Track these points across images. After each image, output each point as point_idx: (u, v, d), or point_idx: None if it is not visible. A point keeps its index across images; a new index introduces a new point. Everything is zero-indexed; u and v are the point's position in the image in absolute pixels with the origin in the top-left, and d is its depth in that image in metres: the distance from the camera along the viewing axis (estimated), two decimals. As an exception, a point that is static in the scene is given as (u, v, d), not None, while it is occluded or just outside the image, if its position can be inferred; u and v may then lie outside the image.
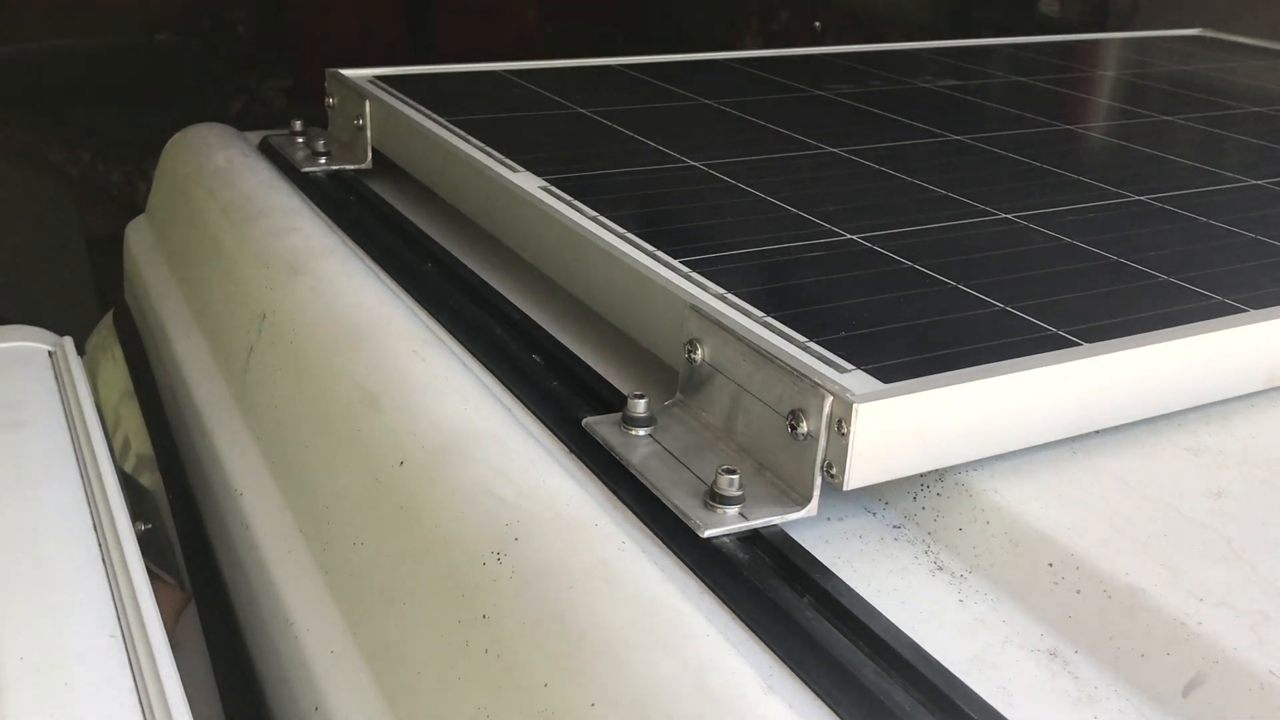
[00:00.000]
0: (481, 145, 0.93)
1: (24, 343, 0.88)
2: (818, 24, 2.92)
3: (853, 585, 0.53)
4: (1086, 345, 0.62)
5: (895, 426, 0.55)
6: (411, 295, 0.84)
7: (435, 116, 1.01)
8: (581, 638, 0.47)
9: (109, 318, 1.16)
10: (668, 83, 1.20)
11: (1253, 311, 0.68)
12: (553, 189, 0.84)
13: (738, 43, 3.20)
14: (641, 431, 0.63)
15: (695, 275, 0.70)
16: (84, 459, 0.74)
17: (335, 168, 1.07)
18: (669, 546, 0.56)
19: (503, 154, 0.91)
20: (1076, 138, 1.06)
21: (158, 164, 1.14)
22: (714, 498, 0.57)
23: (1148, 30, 1.68)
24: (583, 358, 0.73)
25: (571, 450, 0.64)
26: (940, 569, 0.56)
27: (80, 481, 0.72)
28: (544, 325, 0.78)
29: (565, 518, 0.54)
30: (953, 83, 1.26)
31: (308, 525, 0.67)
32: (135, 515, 0.76)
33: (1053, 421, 0.60)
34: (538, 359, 0.74)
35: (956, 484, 0.59)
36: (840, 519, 0.60)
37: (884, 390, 0.56)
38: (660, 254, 0.73)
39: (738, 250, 0.75)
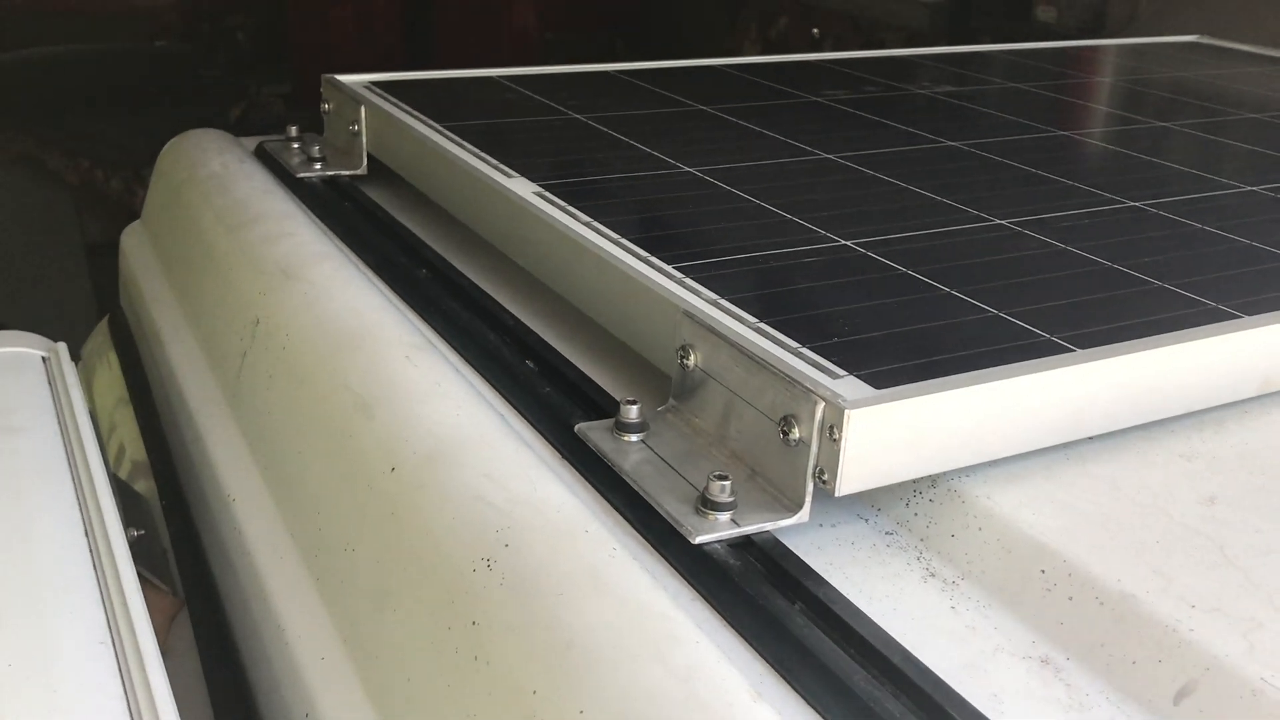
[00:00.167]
0: (476, 150, 0.93)
1: (18, 348, 0.88)
2: (816, 30, 2.92)
3: (844, 592, 0.53)
4: (1079, 351, 0.62)
5: (887, 432, 0.55)
6: (405, 300, 0.84)
7: (430, 122, 1.01)
8: (570, 645, 0.47)
9: (105, 323, 1.16)
10: (663, 88, 1.20)
11: (1246, 318, 0.68)
12: (547, 194, 0.84)
13: (737, 50, 3.21)
14: (634, 437, 0.63)
15: (689, 281, 0.70)
16: (76, 465, 0.74)
17: (330, 173, 1.07)
18: (660, 553, 0.56)
19: (497, 159, 0.91)
20: (1072, 144, 1.06)
21: (153, 170, 1.14)
22: (706, 504, 0.57)
23: (1145, 37, 1.69)
24: (576, 363, 0.73)
25: (564, 456, 0.64)
26: (932, 575, 0.56)
27: (72, 488, 0.72)
28: (537, 330, 0.78)
29: (555, 524, 0.53)
30: (949, 89, 1.26)
31: (299, 531, 0.67)
32: (129, 521, 0.76)
33: (1046, 427, 0.60)
34: (531, 364, 0.74)
35: (949, 490, 0.59)
36: (833, 525, 0.59)
37: (876, 396, 0.56)
38: (654, 259, 0.73)
39: (731, 256, 0.74)
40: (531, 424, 0.68)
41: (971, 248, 0.78)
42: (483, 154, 0.92)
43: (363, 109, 1.06)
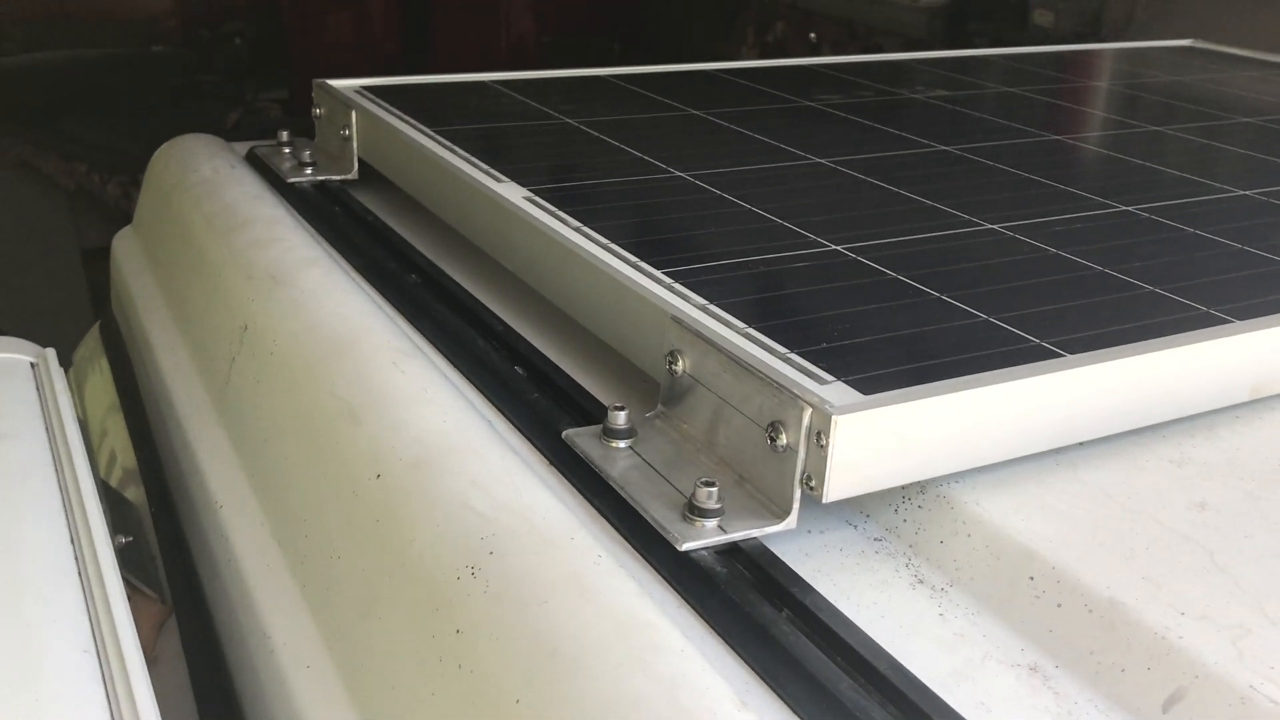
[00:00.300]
0: (467, 155, 0.93)
1: (6, 354, 0.88)
2: (813, 35, 2.92)
3: (832, 599, 0.53)
4: (1070, 356, 0.62)
5: (875, 438, 0.55)
6: (394, 306, 0.83)
7: (421, 127, 1.01)
8: (554, 653, 0.46)
9: (96, 329, 1.15)
10: (656, 93, 1.19)
11: (1238, 323, 0.67)
12: (537, 199, 0.84)
13: (734, 55, 3.21)
14: (622, 443, 0.63)
15: (678, 286, 0.70)
16: (63, 472, 0.74)
17: (321, 178, 1.07)
18: (647, 560, 0.55)
19: (488, 164, 0.91)
20: (1066, 148, 1.05)
21: (144, 175, 1.14)
22: (693, 510, 0.56)
23: (1140, 41, 1.68)
24: (564, 369, 0.73)
25: (551, 462, 0.64)
26: (921, 582, 0.56)
27: (59, 494, 0.71)
28: (526, 336, 0.78)
29: (541, 531, 0.53)
30: (943, 93, 1.26)
31: (286, 538, 0.67)
32: (117, 528, 0.76)
33: (1035, 433, 0.60)
34: (519, 370, 0.73)
35: (938, 496, 0.58)
36: (821, 532, 0.59)
37: (864, 402, 0.56)
38: (643, 265, 0.73)
39: (721, 261, 0.74)
40: (519, 430, 0.67)
41: (962, 252, 0.78)
42: (473, 159, 0.92)
43: (354, 114, 1.06)
